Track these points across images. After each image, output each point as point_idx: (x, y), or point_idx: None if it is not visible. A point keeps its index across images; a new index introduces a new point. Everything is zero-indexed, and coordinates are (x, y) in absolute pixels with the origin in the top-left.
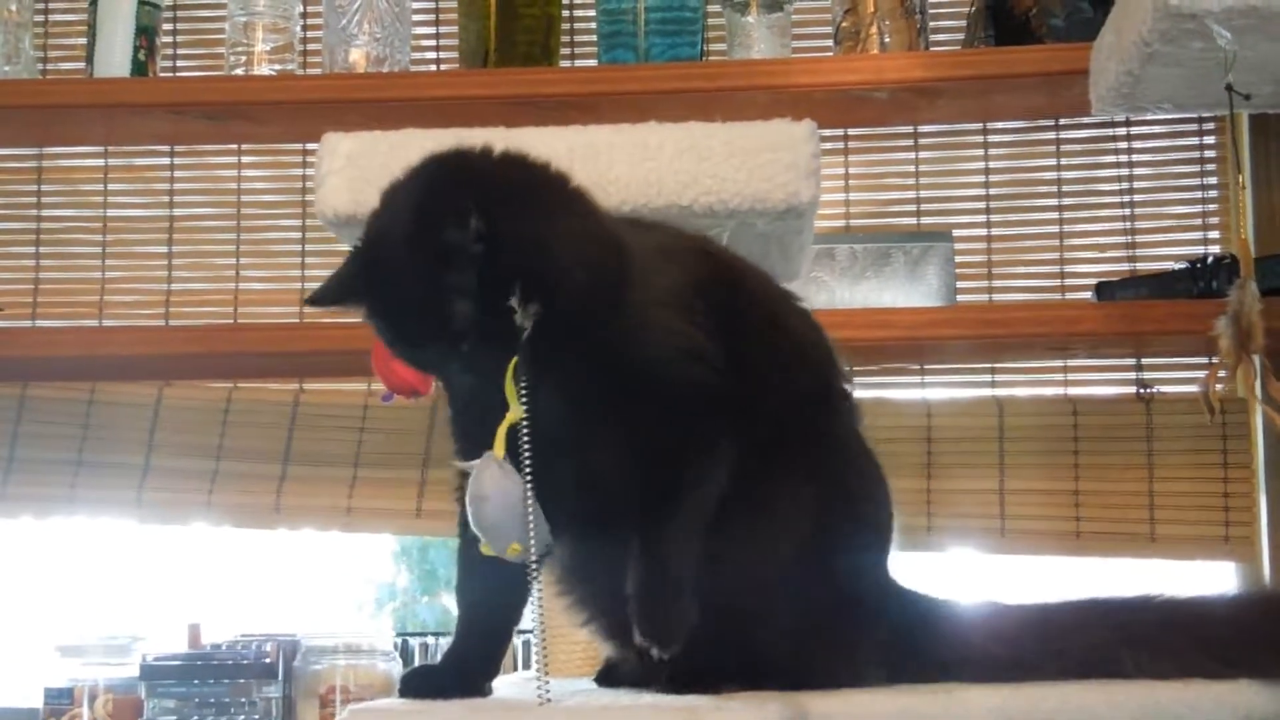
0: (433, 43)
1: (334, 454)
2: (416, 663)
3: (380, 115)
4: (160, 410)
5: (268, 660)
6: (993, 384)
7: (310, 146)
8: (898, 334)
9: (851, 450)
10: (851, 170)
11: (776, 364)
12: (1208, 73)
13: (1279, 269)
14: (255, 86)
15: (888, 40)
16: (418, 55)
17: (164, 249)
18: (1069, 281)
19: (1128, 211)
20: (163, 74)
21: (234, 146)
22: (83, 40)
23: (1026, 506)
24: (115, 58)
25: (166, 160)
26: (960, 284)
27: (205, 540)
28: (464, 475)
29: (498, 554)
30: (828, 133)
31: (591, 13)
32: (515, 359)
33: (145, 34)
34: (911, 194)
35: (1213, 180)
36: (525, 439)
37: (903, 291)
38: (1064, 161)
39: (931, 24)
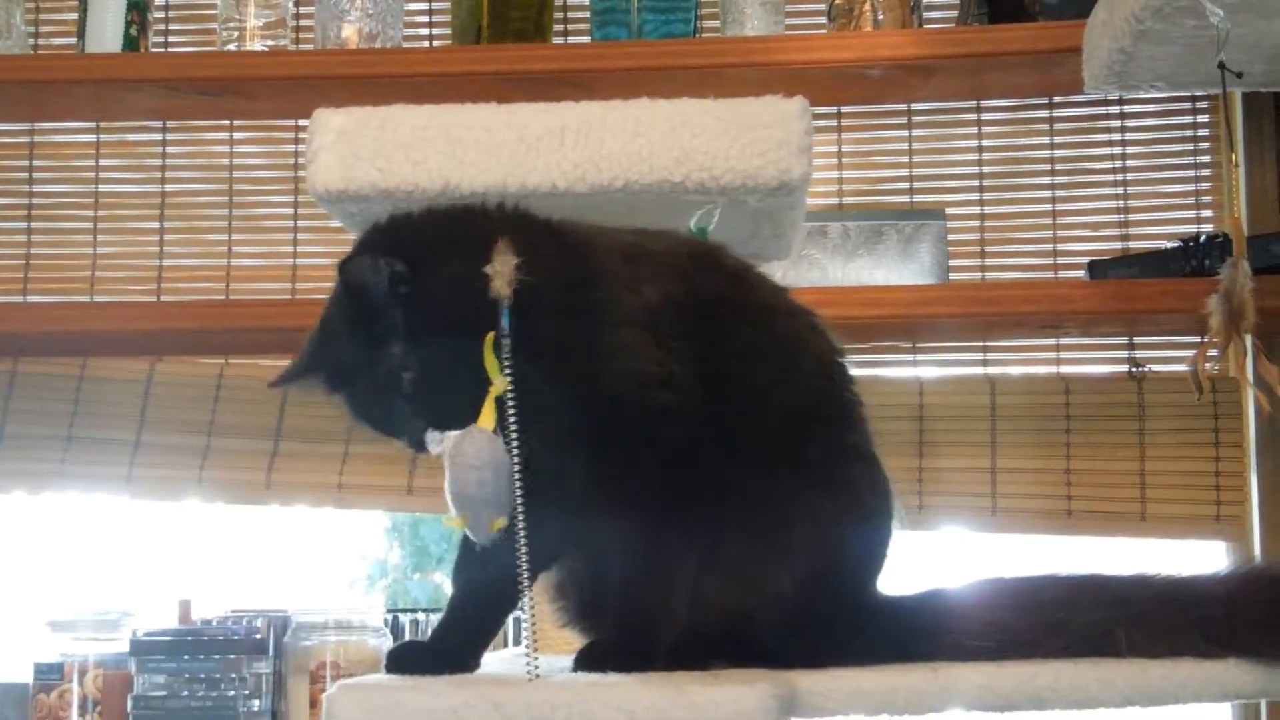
0: (425, 19)
1: (326, 430)
2: (406, 639)
3: (372, 91)
4: (152, 386)
5: (258, 636)
6: (985, 362)
7: (303, 122)
8: (890, 312)
9: (852, 457)
10: (845, 148)
11: (773, 379)
12: (1200, 50)
13: (1271, 248)
14: (247, 62)
15: (881, 18)
16: (410, 31)
17: (156, 225)
18: (1061, 260)
19: (1120, 190)
20: (155, 49)
21: (226, 122)
22: (74, 15)
23: (1018, 485)
24: (107, 33)
25: (158, 136)
26: (953, 262)
27: (197, 516)
28: None
29: (472, 529)
30: (821, 110)
31: None
32: (491, 334)
33: (137, 9)
34: (904, 172)
35: (1205, 159)
36: (512, 412)
37: (895, 269)
38: (1057, 140)
39: (925, 1)
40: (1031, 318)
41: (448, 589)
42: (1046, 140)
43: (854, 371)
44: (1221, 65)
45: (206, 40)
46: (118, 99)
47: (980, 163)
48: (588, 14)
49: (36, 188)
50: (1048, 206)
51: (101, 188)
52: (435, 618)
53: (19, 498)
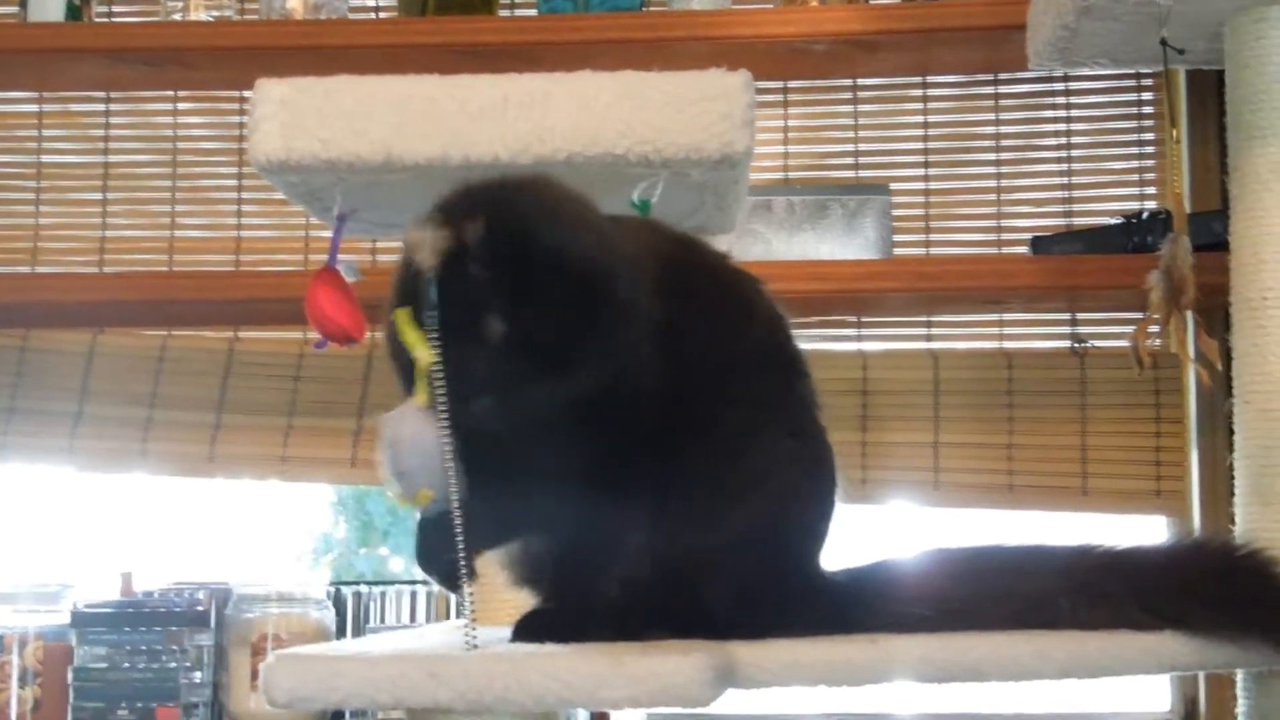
0: None
1: (269, 403)
2: (349, 611)
3: (318, 63)
4: (94, 357)
5: (200, 608)
6: (929, 337)
7: (247, 94)
8: (834, 286)
9: (795, 429)
10: (790, 123)
11: (720, 346)
12: (1143, 27)
13: (1212, 225)
14: (192, 32)
15: None
16: (356, 3)
17: (99, 195)
18: (1006, 236)
19: (1065, 167)
20: (98, 19)
21: (170, 93)
22: None
23: (961, 459)
24: (50, 2)
25: (102, 106)
26: (897, 237)
27: (140, 488)
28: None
29: (409, 502)
30: (767, 85)
31: None
32: (409, 307)
33: None
34: (850, 147)
35: (1150, 136)
36: (439, 386)
37: (840, 244)
38: (1002, 116)
39: None
40: (975, 293)
41: (393, 563)
42: (992, 116)
43: (798, 346)
44: (1164, 42)
45: (150, 10)
46: (61, 69)
47: (925, 138)
48: None
49: None
50: (992, 182)
51: (44, 158)
52: (379, 590)
53: None
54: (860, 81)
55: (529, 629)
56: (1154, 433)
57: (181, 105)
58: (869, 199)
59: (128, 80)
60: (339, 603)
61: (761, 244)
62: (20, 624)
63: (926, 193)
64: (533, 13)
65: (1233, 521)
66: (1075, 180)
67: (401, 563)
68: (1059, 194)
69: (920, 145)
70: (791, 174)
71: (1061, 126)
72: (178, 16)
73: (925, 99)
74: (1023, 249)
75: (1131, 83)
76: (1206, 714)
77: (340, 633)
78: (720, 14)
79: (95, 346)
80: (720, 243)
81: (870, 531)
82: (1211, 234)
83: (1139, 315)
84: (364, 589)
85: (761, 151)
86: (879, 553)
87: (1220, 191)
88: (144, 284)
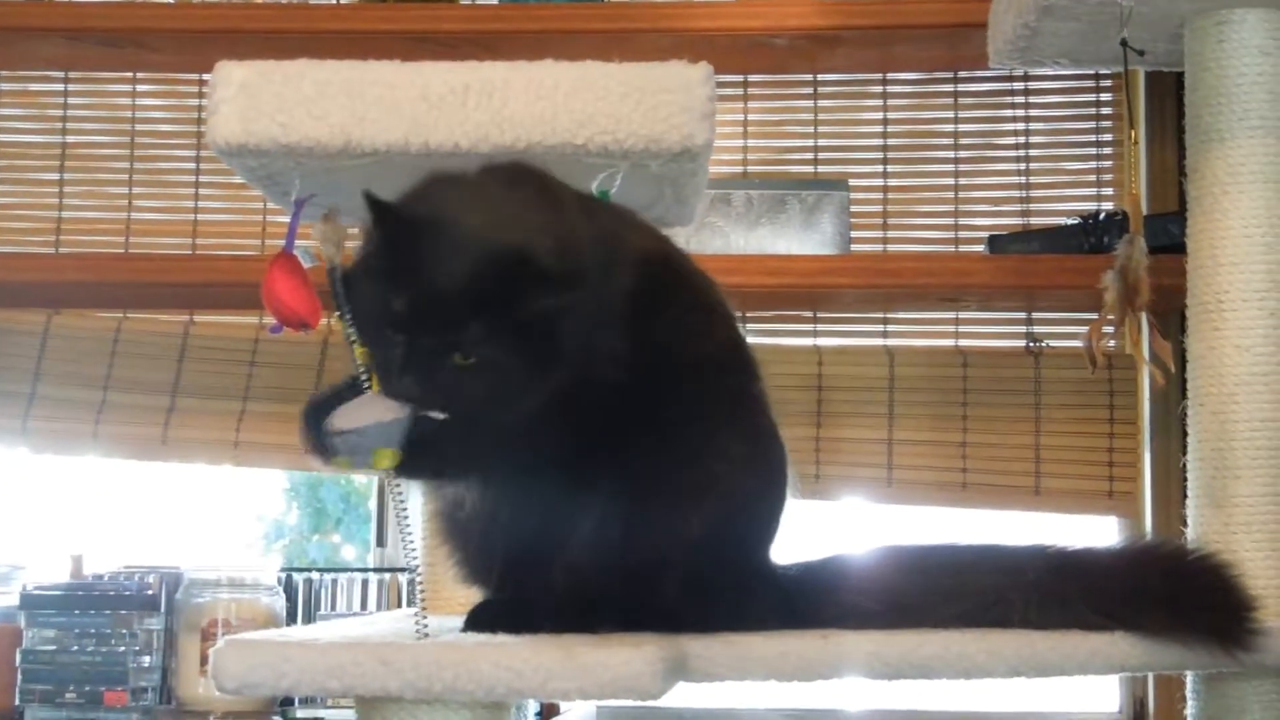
0: None
1: (223, 387)
2: (300, 598)
3: (278, 48)
4: (48, 339)
5: (150, 592)
6: (884, 334)
7: (206, 77)
8: (791, 281)
9: (746, 425)
10: (750, 117)
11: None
12: (1104, 28)
13: (1169, 227)
14: (152, 14)
15: None
16: None
17: (56, 176)
18: (963, 234)
19: (1023, 166)
20: None
21: (129, 74)
22: None
23: (914, 457)
24: None
25: (60, 86)
26: (855, 233)
27: (95, 471)
28: None
29: (361, 466)
30: (727, 79)
31: None
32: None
33: None
34: (809, 142)
35: (1108, 138)
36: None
37: (798, 239)
38: (961, 114)
39: None
40: (931, 290)
41: (345, 551)
42: (951, 114)
43: (754, 340)
44: (1124, 43)
45: None
46: (19, 47)
47: (885, 135)
48: None
49: None
50: (950, 180)
51: (0, 137)
52: (331, 578)
53: None
54: (820, 76)
55: (481, 619)
56: (1107, 434)
57: (140, 87)
58: (827, 194)
59: (86, 60)
60: (290, 589)
61: (720, 237)
62: None
63: (885, 189)
64: (494, 1)
65: (1185, 524)
66: (1033, 180)
67: (354, 550)
68: (1017, 193)
69: (879, 142)
70: (751, 168)
71: (1020, 126)
72: None
73: (885, 95)
74: (980, 247)
75: (1090, 83)
76: (1155, 715)
77: (291, 619)
78: (682, 6)
79: (50, 327)
80: (678, 235)
81: (823, 527)
82: (1168, 236)
83: (1094, 316)
84: (315, 576)
85: (721, 145)
86: (831, 549)
87: (1178, 194)
88: (100, 266)
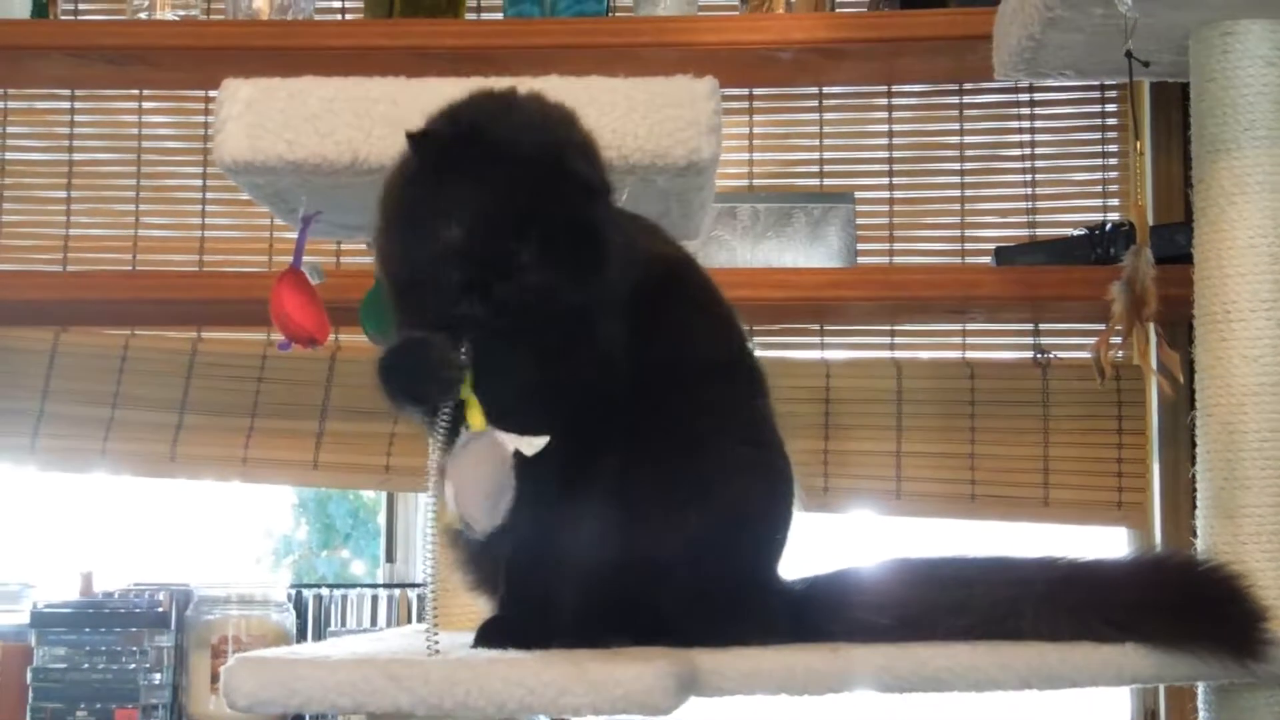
0: None
1: (231, 404)
2: (310, 614)
3: (283, 64)
4: (56, 356)
5: (160, 610)
6: (891, 346)
7: (212, 93)
8: (798, 294)
9: (754, 439)
10: (756, 130)
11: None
12: (1109, 39)
13: (1175, 237)
14: (157, 31)
15: (794, 0)
16: (323, 4)
17: (63, 194)
18: (969, 246)
19: (1029, 177)
20: (64, 16)
21: (135, 92)
22: None
23: (922, 469)
24: None
25: (67, 104)
26: (861, 246)
27: (104, 488)
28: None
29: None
30: (733, 92)
31: None
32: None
33: None
34: (815, 155)
35: (1114, 148)
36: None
37: (804, 252)
38: (967, 126)
39: None
40: (938, 302)
41: (355, 566)
42: (956, 126)
43: (761, 353)
44: (1129, 54)
45: (117, 9)
46: (25, 66)
47: (890, 147)
48: None
49: None
50: (956, 192)
51: (8, 155)
52: (340, 594)
53: None
54: (826, 89)
55: (491, 635)
56: (1116, 444)
57: (147, 104)
58: (833, 207)
59: (93, 78)
60: (300, 605)
61: (726, 251)
62: None
63: (891, 201)
64: (499, 16)
65: (1194, 534)
66: (1039, 191)
67: (363, 566)
68: (1023, 204)
69: (885, 154)
70: (757, 181)
71: (1026, 137)
72: (144, 15)
73: (890, 108)
74: (986, 259)
75: (1096, 94)
76: None
77: (301, 636)
78: (687, 20)
79: (58, 345)
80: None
81: (831, 540)
82: (1175, 246)
83: (1101, 327)
84: (325, 592)
85: (727, 158)
86: (840, 561)
87: (1184, 204)
88: (107, 283)
